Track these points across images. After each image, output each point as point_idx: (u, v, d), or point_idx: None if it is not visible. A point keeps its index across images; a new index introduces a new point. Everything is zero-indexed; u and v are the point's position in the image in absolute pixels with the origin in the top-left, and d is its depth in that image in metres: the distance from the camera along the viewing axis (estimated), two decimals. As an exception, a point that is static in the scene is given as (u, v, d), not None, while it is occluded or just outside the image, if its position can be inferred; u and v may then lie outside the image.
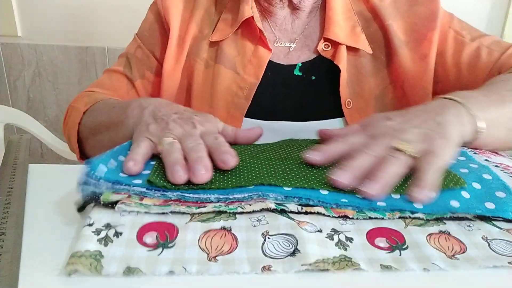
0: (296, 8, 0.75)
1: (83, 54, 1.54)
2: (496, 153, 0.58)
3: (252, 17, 0.72)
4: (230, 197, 0.41)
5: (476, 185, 0.45)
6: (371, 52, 0.73)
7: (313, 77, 0.73)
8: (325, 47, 0.73)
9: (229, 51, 0.74)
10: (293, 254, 0.36)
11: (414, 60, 0.73)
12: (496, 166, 0.52)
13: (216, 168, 0.45)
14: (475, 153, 0.56)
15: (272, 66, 0.74)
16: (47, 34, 1.53)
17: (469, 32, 0.75)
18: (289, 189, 0.42)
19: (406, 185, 0.44)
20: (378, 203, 0.42)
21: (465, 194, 0.43)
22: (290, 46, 0.75)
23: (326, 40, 0.73)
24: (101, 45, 1.53)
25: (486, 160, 0.54)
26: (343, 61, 0.71)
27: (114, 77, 0.81)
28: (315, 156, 0.46)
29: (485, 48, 0.72)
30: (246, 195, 0.41)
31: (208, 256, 0.36)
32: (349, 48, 0.72)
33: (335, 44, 0.72)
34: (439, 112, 0.50)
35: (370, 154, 0.44)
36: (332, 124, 0.72)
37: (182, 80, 0.76)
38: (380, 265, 0.35)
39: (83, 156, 0.73)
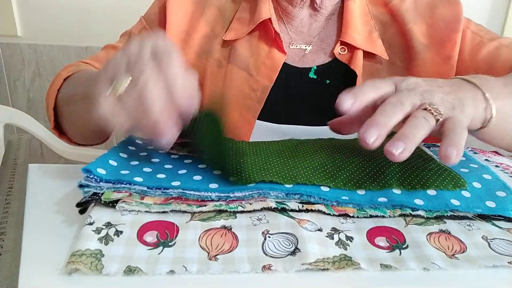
0: (316, 10, 0.73)
1: (83, 54, 1.53)
2: (496, 153, 0.58)
3: (270, 18, 0.71)
4: (231, 195, 0.41)
5: (477, 185, 0.45)
6: (387, 58, 0.72)
7: (328, 81, 0.72)
8: (341, 51, 0.72)
9: (242, 51, 0.73)
10: (293, 253, 0.36)
11: (437, 63, 0.72)
12: (496, 166, 0.53)
13: (216, 168, 0.46)
14: (475, 153, 0.56)
15: (286, 68, 0.72)
16: (47, 34, 1.53)
17: (487, 33, 0.74)
18: (290, 186, 0.42)
19: (409, 179, 0.44)
20: (379, 199, 0.42)
21: (465, 193, 0.43)
22: (306, 49, 0.74)
23: (343, 43, 0.72)
24: (101, 45, 1.53)
25: (486, 160, 0.54)
26: (359, 66, 0.70)
27: (111, 52, 0.77)
28: (347, 100, 0.43)
29: (504, 47, 0.71)
30: (247, 193, 0.41)
31: (208, 255, 0.36)
32: (365, 54, 0.71)
33: (352, 48, 0.71)
34: (459, 90, 0.48)
35: (400, 111, 0.42)
36: None
37: None
38: (380, 264, 0.35)
39: (58, 126, 0.70)
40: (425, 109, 0.43)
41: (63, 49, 1.54)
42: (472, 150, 0.57)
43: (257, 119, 0.71)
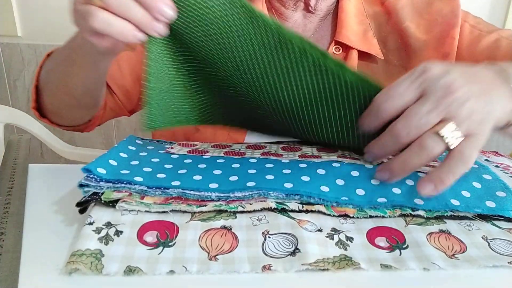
0: (310, 12, 0.72)
1: (83, 54, 1.54)
2: (497, 153, 0.58)
3: None
4: (231, 195, 0.41)
5: (477, 185, 0.45)
6: (382, 58, 0.71)
7: None
8: (335, 51, 0.71)
9: None
10: (293, 253, 0.36)
11: (436, 60, 0.67)
12: (496, 166, 0.53)
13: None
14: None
15: None
16: (47, 34, 1.53)
17: (486, 25, 0.72)
18: (290, 186, 0.42)
19: None
20: (379, 199, 0.42)
21: (465, 193, 0.43)
22: None
23: (337, 43, 0.71)
24: (101, 45, 1.53)
25: (486, 160, 0.54)
26: (353, 66, 0.69)
27: None
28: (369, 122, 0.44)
29: (504, 39, 0.69)
30: (247, 193, 0.42)
31: (208, 255, 0.36)
32: (360, 53, 0.71)
33: (346, 48, 0.71)
34: (494, 86, 0.44)
35: (408, 137, 0.40)
36: None
37: None
38: (380, 264, 0.35)
39: (39, 107, 0.71)
40: (437, 133, 0.40)
41: (63, 49, 1.54)
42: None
43: None
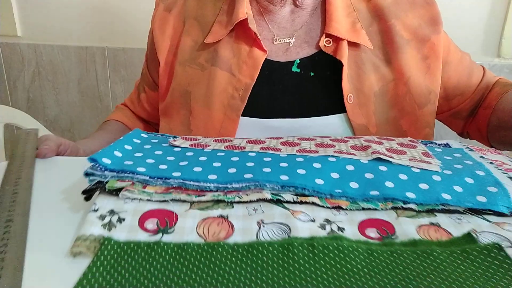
0: (298, 6, 0.75)
1: (83, 54, 1.54)
2: (495, 150, 0.58)
3: (247, 19, 0.72)
4: (229, 186, 0.43)
5: (469, 180, 0.46)
6: (372, 48, 0.74)
7: (312, 73, 0.73)
8: (326, 43, 0.73)
9: (224, 53, 0.74)
10: None
11: (417, 59, 0.74)
12: (491, 163, 0.52)
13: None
14: (471, 150, 0.56)
15: (269, 64, 0.74)
16: (47, 34, 1.54)
17: (459, 48, 0.81)
18: (286, 178, 0.44)
19: None
20: (371, 192, 0.43)
21: (457, 188, 0.44)
22: (290, 42, 0.75)
23: (328, 35, 0.73)
24: (101, 45, 1.54)
25: (482, 157, 0.54)
26: (345, 56, 0.71)
27: (133, 90, 0.96)
28: None
29: (474, 63, 0.80)
30: (244, 185, 0.43)
31: (205, 242, 0.37)
32: (350, 44, 0.73)
33: (337, 40, 0.73)
34: None
35: None
36: (332, 120, 0.72)
37: (178, 88, 0.77)
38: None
39: None
40: None
41: (63, 49, 1.55)
42: (468, 148, 0.57)
43: (244, 116, 0.72)
